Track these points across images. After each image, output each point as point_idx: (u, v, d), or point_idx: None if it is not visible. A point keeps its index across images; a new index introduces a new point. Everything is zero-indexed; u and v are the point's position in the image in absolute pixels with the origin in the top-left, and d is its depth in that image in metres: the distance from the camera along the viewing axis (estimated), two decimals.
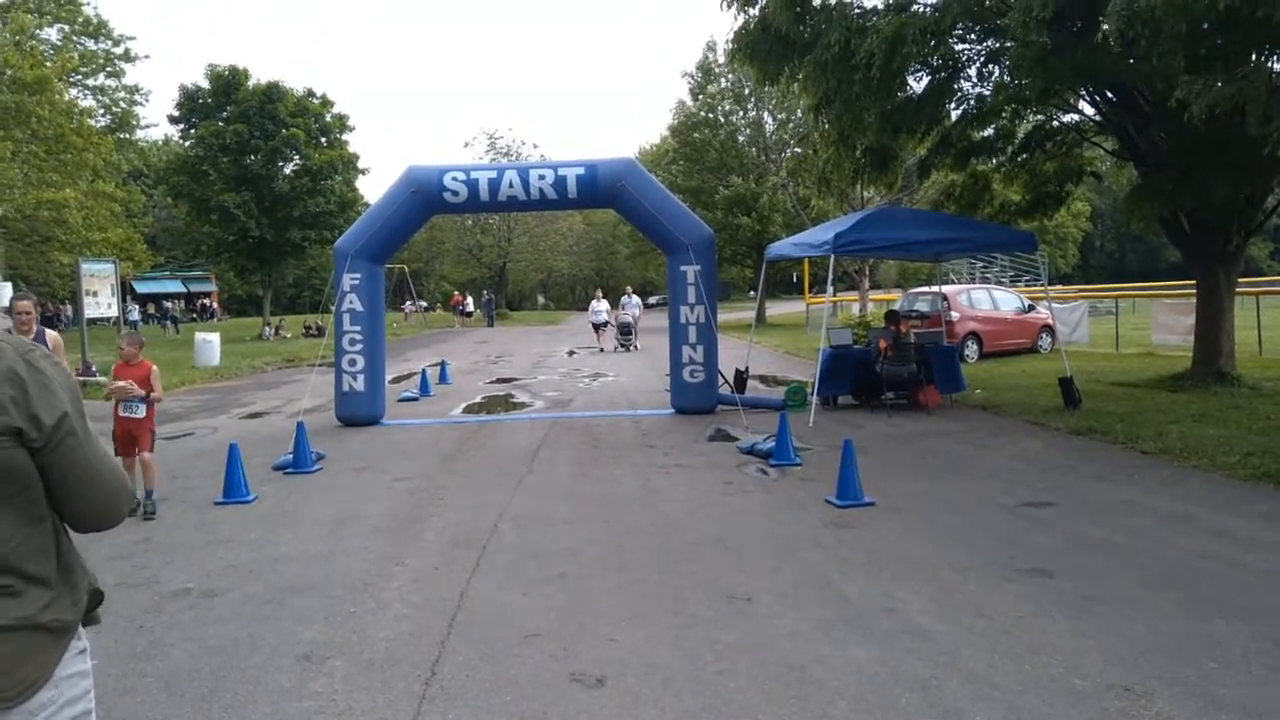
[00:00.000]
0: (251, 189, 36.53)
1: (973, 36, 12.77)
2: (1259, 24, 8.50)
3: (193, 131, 37.72)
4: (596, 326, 28.33)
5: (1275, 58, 10.83)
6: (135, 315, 42.28)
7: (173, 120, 39.00)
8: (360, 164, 41.42)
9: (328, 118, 39.87)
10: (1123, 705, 3.72)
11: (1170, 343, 18.75)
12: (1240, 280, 15.34)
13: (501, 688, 4.08)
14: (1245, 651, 4.21)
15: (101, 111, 38.58)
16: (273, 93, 37.34)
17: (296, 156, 38.30)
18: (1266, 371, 14.64)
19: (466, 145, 62.22)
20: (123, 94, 40.35)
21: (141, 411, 7.43)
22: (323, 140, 39.53)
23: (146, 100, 48.77)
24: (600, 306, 28.64)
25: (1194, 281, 14.27)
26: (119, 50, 38.85)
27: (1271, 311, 20.95)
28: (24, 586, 1.75)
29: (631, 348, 26.03)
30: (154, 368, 7.68)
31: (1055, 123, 15.11)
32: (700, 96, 42.12)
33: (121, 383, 7.20)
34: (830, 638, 4.54)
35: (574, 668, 4.28)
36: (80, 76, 36.92)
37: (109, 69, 38.88)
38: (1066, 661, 4.15)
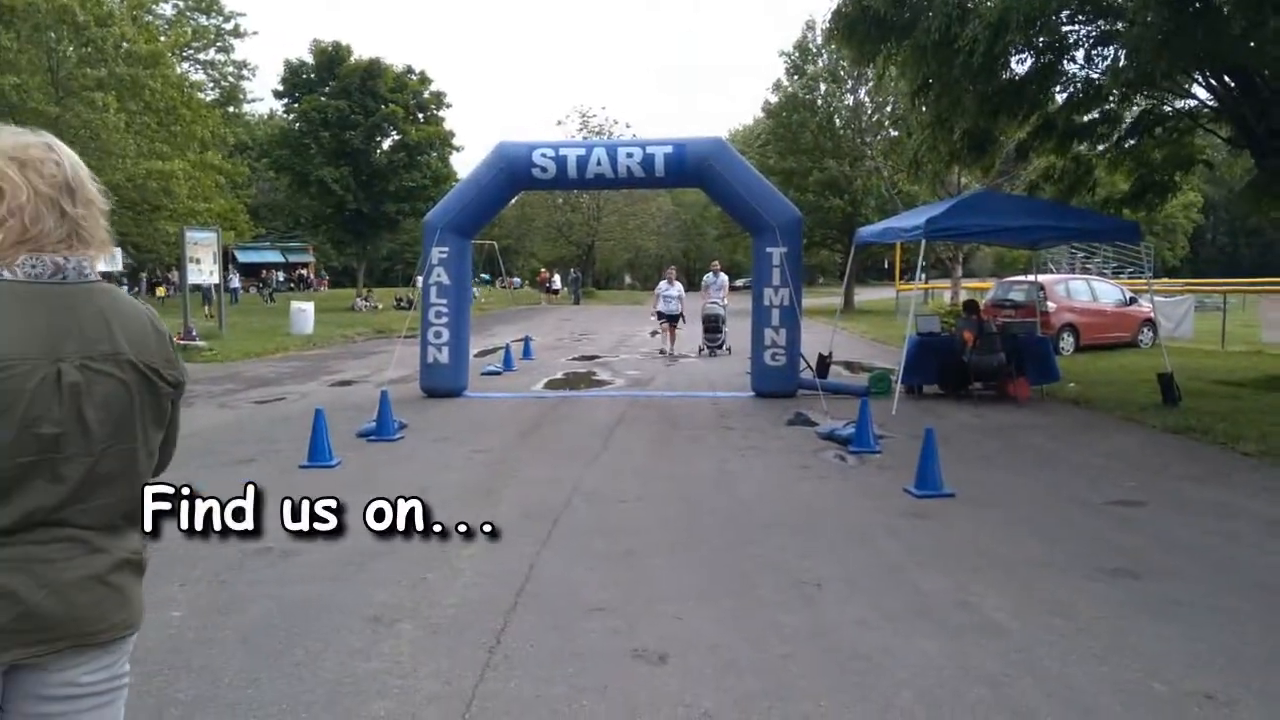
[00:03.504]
0: (350, 163, 37.37)
1: (1081, 17, 12.28)
2: None
3: (296, 106, 38.75)
4: (666, 318, 19.08)
5: None
6: (236, 283, 43.73)
7: (277, 95, 40.15)
8: (455, 140, 42.03)
9: (425, 94, 40.53)
10: (1204, 713, 3.55)
11: None
12: None
13: (564, 659, 4.10)
14: None
15: (211, 85, 39.91)
16: (373, 69, 38.11)
17: (394, 132, 39.05)
18: None
19: (559, 123, 62.18)
20: (231, 68, 41.68)
21: None
22: (420, 116, 40.21)
23: (253, 75, 50.37)
24: (673, 291, 18.94)
25: None
26: (229, 26, 40.12)
27: None
28: (134, 527, 1.84)
29: (722, 349, 18.86)
30: None
31: (1166, 108, 14.45)
32: (798, 77, 41.48)
33: None
34: (899, 628, 4.45)
35: (637, 643, 4.28)
36: (192, 51, 38.22)
37: (219, 44, 40.19)
38: (1146, 665, 3.99)
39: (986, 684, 3.83)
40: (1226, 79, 12.43)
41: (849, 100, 41.04)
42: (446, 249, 12.53)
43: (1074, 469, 8.21)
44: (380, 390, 10.24)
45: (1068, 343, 18.71)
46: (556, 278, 52.53)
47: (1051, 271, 27.24)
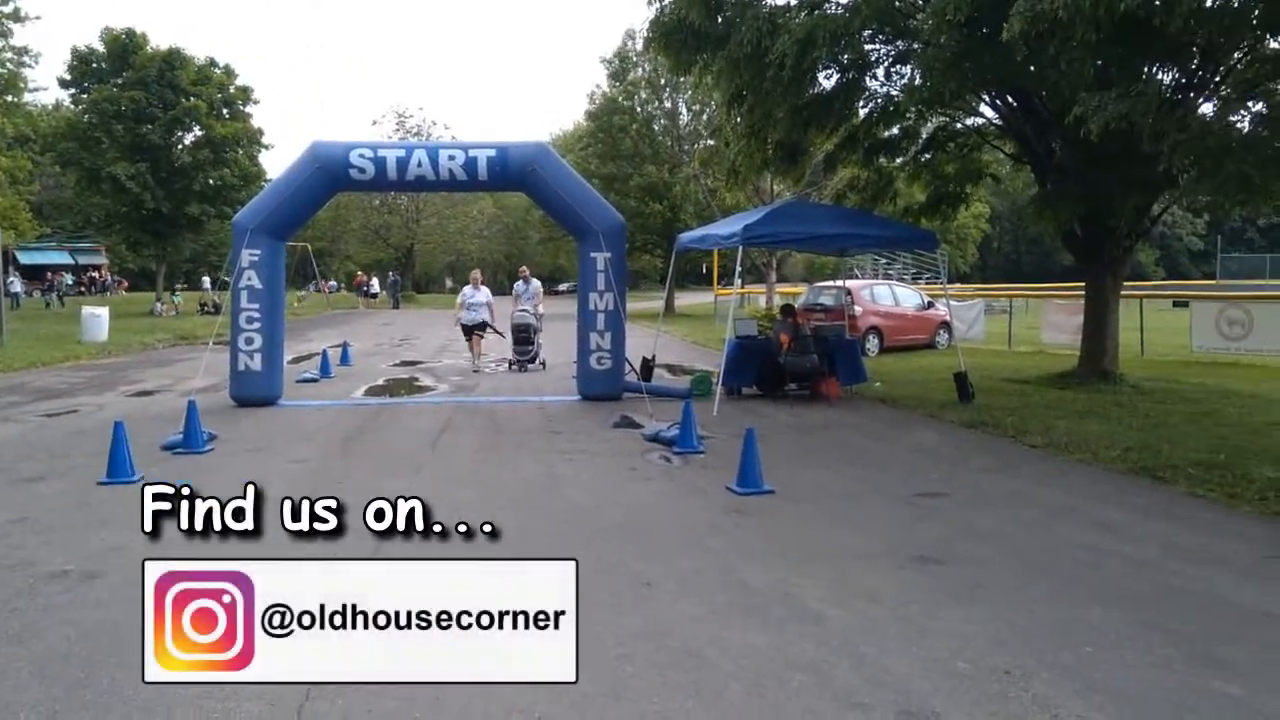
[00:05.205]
0: (148, 159, 35.11)
1: (882, 37, 13.01)
2: (1155, 32, 8.81)
3: (85, 97, 36.11)
4: (469, 330, 17.00)
5: (1165, 71, 11.28)
6: (17, 287, 40.32)
7: (64, 84, 37.28)
8: (265, 139, 40.21)
9: (231, 89, 38.58)
10: (1002, 687, 3.85)
11: (1060, 342, 19.46)
12: (1126, 284, 16.00)
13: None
14: (1119, 636, 4.40)
15: None
16: (173, 60, 35.98)
17: (197, 127, 36.98)
18: (1148, 370, 15.33)
19: (375, 123, 60.70)
20: (10, 55, 38.25)
21: None
22: (225, 112, 38.23)
23: (36, 62, 46.10)
24: (479, 297, 16.98)
25: (1083, 284, 14.83)
26: (8, 9, 36.79)
27: (1154, 315, 21.94)
28: None
29: (534, 363, 17.01)
30: None
31: (958, 125, 15.52)
32: (619, 84, 42.06)
33: None
34: (727, 623, 4.59)
35: None
36: None
37: None
38: (952, 646, 4.28)
39: (809, 671, 4.01)
40: (1010, 100, 13.48)
41: (667, 105, 41.96)
42: (258, 251, 11.98)
43: (883, 464, 8.70)
44: (187, 400, 9.67)
45: (873, 344, 19.77)
46: (375, 281, 51.06)
47: (857, 277, 28.73)
